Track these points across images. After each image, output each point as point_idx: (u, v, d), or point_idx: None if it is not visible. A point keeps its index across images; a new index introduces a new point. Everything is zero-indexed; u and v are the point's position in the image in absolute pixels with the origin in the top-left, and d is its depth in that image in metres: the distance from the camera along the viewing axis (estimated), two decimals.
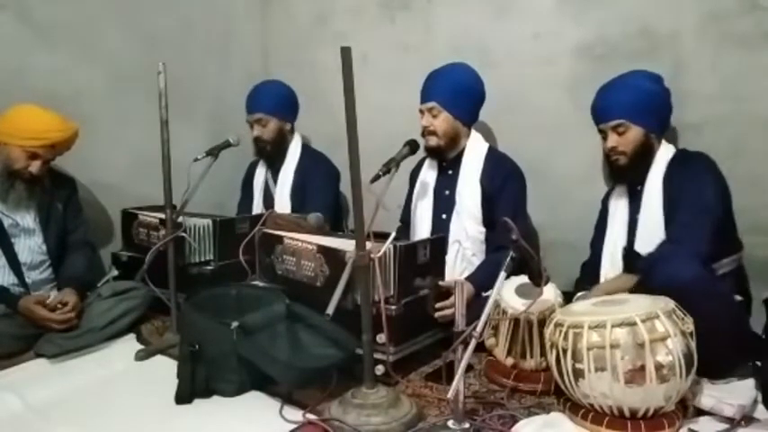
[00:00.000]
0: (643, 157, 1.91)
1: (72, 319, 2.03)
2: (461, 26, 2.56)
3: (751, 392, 1.54)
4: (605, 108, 1.93)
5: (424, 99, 2.22)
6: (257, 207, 2.81)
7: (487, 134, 2.46)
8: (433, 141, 2.22)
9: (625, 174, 1.95)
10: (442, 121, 2.19)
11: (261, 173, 2.83)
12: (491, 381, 1.79)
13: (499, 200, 2.17)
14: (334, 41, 1.74)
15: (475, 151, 2.24)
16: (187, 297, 1.90)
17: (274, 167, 2.78)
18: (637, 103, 1.89)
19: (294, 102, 2.78)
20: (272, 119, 2.66)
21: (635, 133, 1.89)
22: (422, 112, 2.22)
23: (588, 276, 2.05)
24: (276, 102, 2.69)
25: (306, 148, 2.80)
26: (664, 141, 1.94)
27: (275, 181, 2.76)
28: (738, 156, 1.97)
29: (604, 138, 1.96)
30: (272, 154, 2.72)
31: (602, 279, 1.97)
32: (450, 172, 2.28)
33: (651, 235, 1.85)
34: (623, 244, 1.96)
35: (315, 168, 2.73)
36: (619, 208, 2.01)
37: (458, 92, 2.19)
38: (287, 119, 2.73)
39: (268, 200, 2.77)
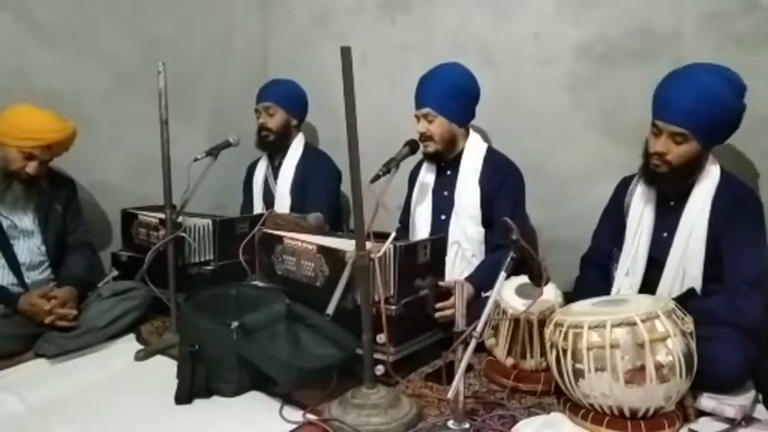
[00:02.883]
0: (687, 172, 1.72)
1: (70, 315, 2.01)
2: (461, 26, 2.56)
3: (750, 392, 1.55)
4: (674, 109, 1.67)
5: (418, 105, 2.20)
6: (257, 204, 2.83)
7: (487, 134, 2.45)
8: (432, 147, 2.21)
9: (660, 182, 1.77)
10: (438, 125, 2.17)
11: (261, 170, 2.84)
12: (491, 381, 1.79)
13: (497, 199, 2.17)
14: (335, 41, 1.74)
15: (473, 152, 2.23)
16: (187, 297, 1.90)
17: (274, 163, 2.80)
18: (710, 120, 1.64)
19: (304, 102, 2.82)
20: (279, 110, 2.70)
21: (692, 148, 1.68)
22: (417, 117, 2.21)
23: (596, 283, 1.89)
24: (287, 95, 2.75)
25: (308, 145, 2.82)
26: (711, 156, 1.77)
27: (275, 177, 2.77)
28: (740, 156, 1.97)
29: (655, 134, 1.72)
30: (273, 145, 2.73)
31: (614, 291, 1.86)
32: (448, 173, 2.28)
33: (684, 263, 1.73)
34: (644, 259, 1.81)
35: (316, 167, 2.74)
36: (645, 219, 1.83)
37: (451, 94, 2.16)
38: (293, 114, 2.76)
39: (268, 196, 2.78)
